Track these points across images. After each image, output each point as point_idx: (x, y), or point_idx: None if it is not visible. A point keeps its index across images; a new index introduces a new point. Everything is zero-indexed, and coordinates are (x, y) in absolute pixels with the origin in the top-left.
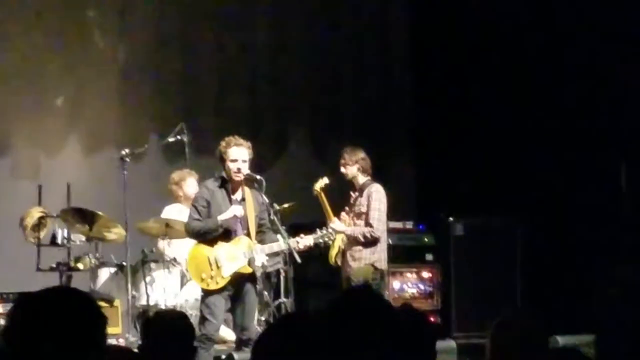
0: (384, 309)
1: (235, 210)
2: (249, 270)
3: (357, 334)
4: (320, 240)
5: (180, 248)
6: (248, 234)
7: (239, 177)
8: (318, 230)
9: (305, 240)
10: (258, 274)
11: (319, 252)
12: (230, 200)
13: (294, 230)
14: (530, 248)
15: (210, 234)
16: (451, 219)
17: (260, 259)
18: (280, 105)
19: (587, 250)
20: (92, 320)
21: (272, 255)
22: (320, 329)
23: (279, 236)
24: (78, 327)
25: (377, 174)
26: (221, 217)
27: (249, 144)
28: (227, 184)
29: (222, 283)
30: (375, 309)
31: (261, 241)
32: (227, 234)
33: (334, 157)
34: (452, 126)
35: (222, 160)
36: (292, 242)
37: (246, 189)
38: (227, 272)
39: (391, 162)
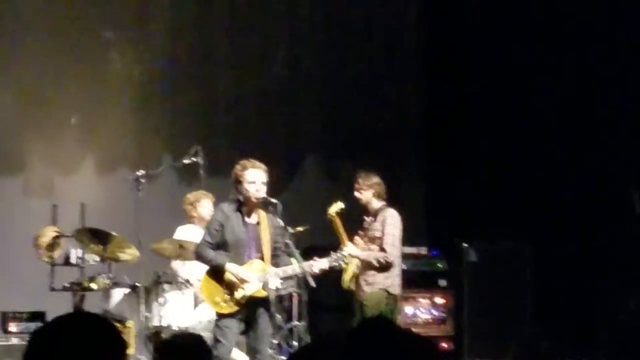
0: (402, 340)
1: (251, 285)
2: (263, 294)
3: None
4: (335, 264)
5: (194, 269)
6: (262, 258)
7: (258, 199)
8: (332, 253)
9: (320, 264)
10: (271, 297)
11: (335, 273)
12: (245, 224)
13: (308, 254)
14: (544, 273)
15: (215, 268)
16: (465, 244)
17: (274, 283)
18: (294, 129)
19: (599, 274)
20: (113, 346)
21: (286, 279)
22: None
23: (293, 260)
24: (99, 352)
25: (390, 199)
26: (231, 268)
27: (265, 167)
28: (243, 207)
29: (236, 307)
30: (394, 340)
31: (275, 264)
32: (240, 258)
33: (347, 181)
34: (464, 151)
35: (238, 182)
36: (307, 265)
37: (261, 212)
38: (240, 293)
39: (404, 187)
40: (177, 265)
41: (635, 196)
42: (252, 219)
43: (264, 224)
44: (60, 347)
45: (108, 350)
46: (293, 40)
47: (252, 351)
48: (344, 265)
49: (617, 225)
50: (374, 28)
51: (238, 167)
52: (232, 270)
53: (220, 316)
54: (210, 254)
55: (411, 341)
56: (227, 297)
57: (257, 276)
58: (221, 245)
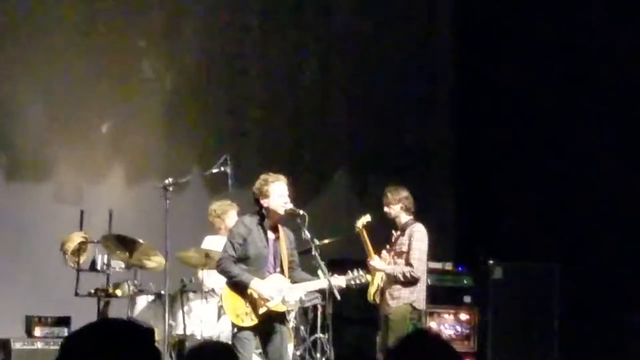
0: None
1: (273, 301)
2: (283, 308)
3: None
4: (352, 282)
5: (219, 279)
6: (282, 272)
7: (287, 210)
8: (350, 272)
9: (338, 281)
10: (295, 309)
11: (359, 288)
12: (267, 239)
13: (333, 266)
14: (569, 293)
15: (237, 284)
16: (491, 261)
17: (298, 294)
18: (324, 142)
19: (628, 298)
20: (148, 354)
21: (311, 292)
22: None
23: (319, 272)
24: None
25: (418, 214)
26: (255, 286)
27: (285, 178)
28: (265, 221)
29: (256, 320)
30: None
31: (290, 278)
32: (261, 272)
33: (375, 195)
34: (493, 168)
35: (264, 197)
36: (332, 279)
37: (279, 227)
38: (262, 309)
39: (431, 202)
40: (202, 274)
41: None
42: (274, 234)
43: (283, 239)
44: (95, 354)
45: (142, 358)
46: (324, 52)
47: None
48: (361, 283)
49: None
50: (403, 41)
51: (261, 181)
52: (256, 288)
53: (240, 328)
54: (235, 269)
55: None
56: (249, 310)
57: (277, 290)
58: (243, 259)
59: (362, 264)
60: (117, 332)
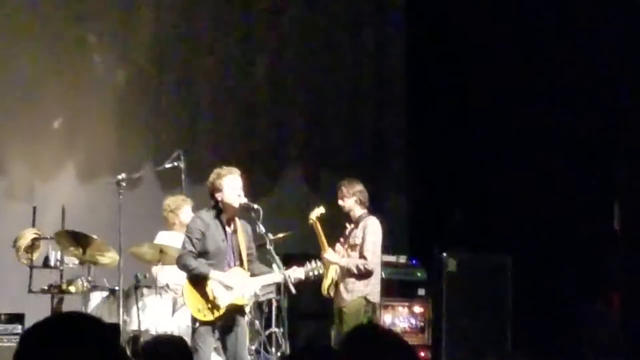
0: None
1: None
2: (244, 301)
3: None
4: (311, 273)
5: (173, 274)
6: (241, 265)
7: (241, 204)
8: (308, 263)
9: (297, 274)
10: (250, 303)
11: (313, 282)
12: (225, 232)
13: (288, 261)
14: (522, 285)
15: (197, 277)
16: (444, 254)
17: (253, 288)
18: (276, 136)
19: (579, 288)
20: (110, 349)
21: (266, 286)
22: None
23: (274, 266)
24: (96, 354)
25: (371, 208)
26: (216, 275)
27: (239, 171)
28: (222, 215)
29: (218, 314)
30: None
31: (250, 271)
32: (221, 266)
33: (327, 189)
34: (445, 161)
35: (217, 191)
36: (287, 273)
37: (237, 220)
38: (224, 303)
39: (385, 196)
40: (156, 269)
41: (616, 212)
42: (231, 227)
43: (240, 232)
44: (55, 348)
45: (105, 353)
46: (275, 49)
47: (231, 358)
48: (319, 275)
49: (597, 238)
50: (358, 37)
51: (214, 175)
52: (217, 277)
53: (200, 323)
54: (194, 263)
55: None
56: (210, 305)
57: (237, 283)
58: (202, 254)
59: (316, 257)
60: (83, 326)
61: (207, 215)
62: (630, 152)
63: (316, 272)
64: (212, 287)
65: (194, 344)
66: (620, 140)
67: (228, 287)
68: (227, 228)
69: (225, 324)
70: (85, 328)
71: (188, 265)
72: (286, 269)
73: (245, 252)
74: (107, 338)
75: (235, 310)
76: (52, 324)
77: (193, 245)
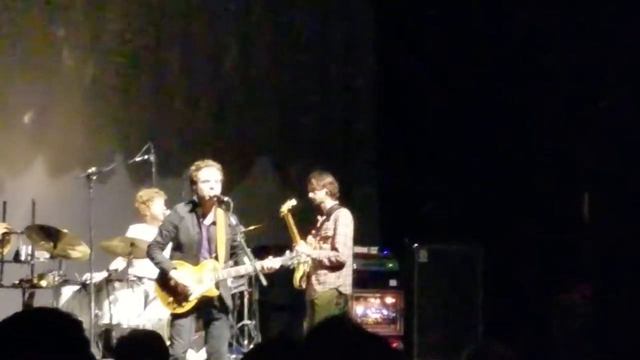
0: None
1: (201, 286)
2: (215, 292)
3: None
4: (289, 263)
5: (145, 268)
6: (216, 257)
7: (210, 197)
8: (288, 252)
9: (271, 263)
10: (226, 296)
11: (286, 272)
12: (200, 225)
13: (260, 253)
14: (493, 275)
15: (164, 272)
16: (416, 245)
17: (210, 282)
18: (246, 129)
19: (549, 279)
20: (75, 342)
21: (238, 277)
22: (301, 356)
23: (245, 258)
24: (62, 348)
25: (342, 199)
26: (174, 275)
27: (219, 165)
28: (198, 208)
29: (187, 306)
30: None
31: (236, 263)
32: (195, 259)
33: (298, 181)
34: (416, 152)
35: (193, 183)
36: (258, 264)
37: (219, 211)
38: (194, 295)
39: (356, 187)
40: (125, 263)
41: (585, 202)
42: (208, 220)
43: (220, 224)
44: (21, 343)
45: (71, 346)
46: (244, 41)
47: (210, 352)
48: (297, 264)
49: (567, 228)
50: (326, 30)
51: (192, 167)
52: (174, 277)
53: (175, 316)
54: (159, 256)
55: (371, 340)
56: (180, 297)
57: (209, 275)
58: (176, 246)
59: (289, 250)
60: (44, 320)
61: (184, 208)
62: (600, 141)
63: (295, 262)
64: (181, 279)
65: (169, 337)
66: (589, 129)
67: (185, 286)
68: (203, 220)
69: (204, 317)
70: (48, 323)
71: (154, 257)
72: (261, 260)
73: (224, 245)
74: (70, 332)
75: (212, 304)
76: (12, 322)
77: (162, 237)
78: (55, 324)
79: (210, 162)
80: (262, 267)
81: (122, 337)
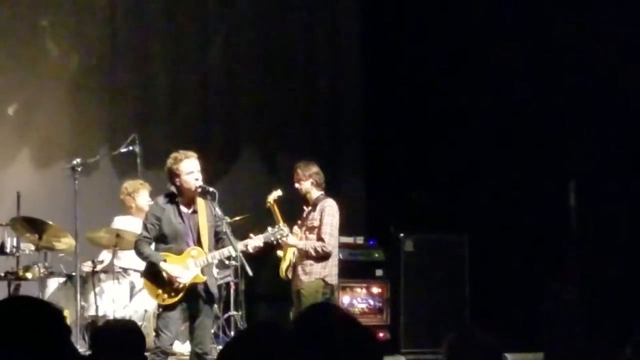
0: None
1: (188, 273)
2: (202, 279)
3: (322, 349)
4: (272, 238)
5: (131, 259)
6: (200, 246)
7: (197, 187)
8: (269, 228)
9: (254, 242)
10: (212, 285)
11: (271, 264)
12: (181, 215)
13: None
14: (479, 264)
15: (152, 265)
16: (402, 234)
17: (196, 269)
18: (231, 119)
19: (536, 267)
20: (57, 330)
21: (224, 263)
22: (287, 342)
23: (230, 249)
24: (43, 336)
25: (328, 189)
26: (164, 267)
27: (195, 154)
28: (177, 199)
29: (177, 296)
30: (340, 327)
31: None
32: (181, 248)
33: (284, 172)
34: (402, 142)
35: (175, 175)
36: (241, 245)
37: (200, 200)
38: (183, 282)
39: (342, 177)
40: (109, 254)
41: (571, 190)
42: (188, 209)
43: (202, 212)
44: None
45: (52, 334)
46: (230, 30)
47: (194, 342)
48: (281, 239)
49: (554, 217)
50: (313, 19)
51: (171, 160)
52: (164, 268)
53: (163, 307)
54: (147, 250)
55: (355, 328)
56: (168, 287)
57: (194, 262)
58: (160, 238)
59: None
60: (24, 309)
61: (164, 200)
62: (587, 133)
63: (278, 236)
64: (168, 270)
65: (156, 328)
66: (577, 121)
67: (176, 277)
68: (184, 210)
69: (189, 308)
70: (27, 312)
71: (142, 252)
72: (242, 241)
73: (207, 233)
74: (50, 321)
75: (199, 295)
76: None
77: (148, 231)
78: (35, 312)
79: (188, 152)
80: (247, 247)
81: (98, 328)
